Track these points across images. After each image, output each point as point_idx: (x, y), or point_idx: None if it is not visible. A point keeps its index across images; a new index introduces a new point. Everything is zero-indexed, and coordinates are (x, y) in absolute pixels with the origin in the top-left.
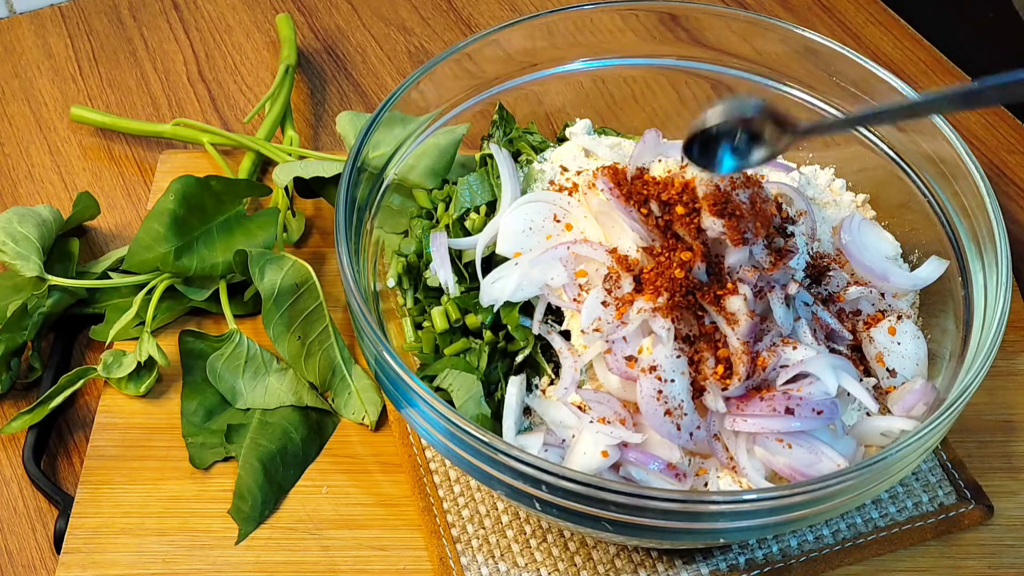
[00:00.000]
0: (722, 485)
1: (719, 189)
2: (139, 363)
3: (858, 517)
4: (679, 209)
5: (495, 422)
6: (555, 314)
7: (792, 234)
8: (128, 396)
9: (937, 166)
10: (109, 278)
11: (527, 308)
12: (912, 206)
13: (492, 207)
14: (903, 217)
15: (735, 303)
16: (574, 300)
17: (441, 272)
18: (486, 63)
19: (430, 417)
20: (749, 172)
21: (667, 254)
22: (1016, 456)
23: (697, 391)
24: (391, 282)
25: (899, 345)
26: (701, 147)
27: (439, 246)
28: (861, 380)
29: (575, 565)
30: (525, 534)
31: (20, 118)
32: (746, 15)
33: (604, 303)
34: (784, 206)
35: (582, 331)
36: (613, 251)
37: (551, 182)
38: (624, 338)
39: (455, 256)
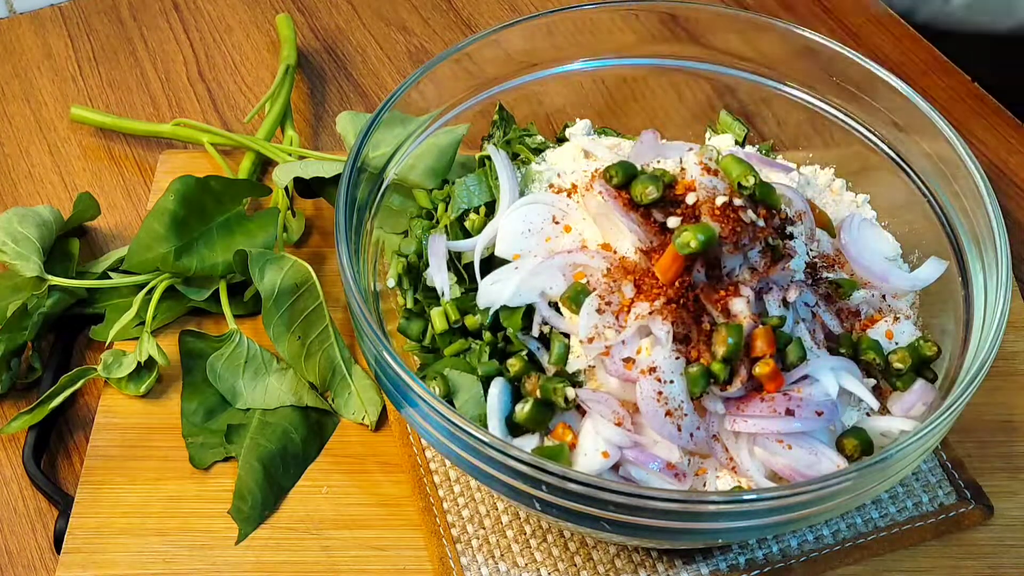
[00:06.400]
0: (720, 485)
1: (718, 191)
2: (139, 363)
3: (858, 517)
4: (678, 211)
5: None
6: (555, 307)
7: (791, 235)
8: (128, 396)
9: (937, 166)
10: (109, 278)
11: (529, 310)
12: (912, 206)
13: (491, 207)
14: (903, 217)
15: (738, 305)
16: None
17: (438, 278)
18: (486, 63)
19: (430, 417)
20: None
21: None
22: (1016, 456)
23: None
24: (391, 282)
25: (896, 347)
26: None
27: (436, 251)
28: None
29: (575, 565)
30: (525, 534)
31: (20, 118)
32: (746, 15)
33: (599, 310)
34: (784, 207)
35: (580, 341)
36: (612, 253)
37: (550, 184)
38: (623, 341)
39: (455, 257)
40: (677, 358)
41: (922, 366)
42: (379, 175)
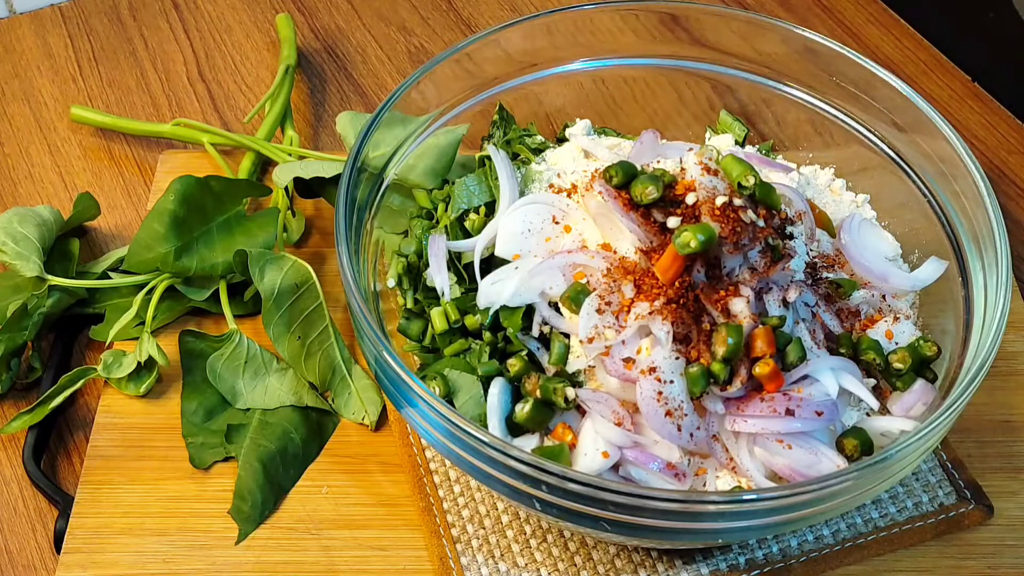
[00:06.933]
0: (720, 485)
1: (718, 191)
2: (139, 363)
3: (858, 517)
4: (678, 211)
5: None
6: (555, 307)
7: (791, 235)
8: (128, 396)
9: (937, 166)
10: (109, 278)
11: (529, 310)
12: (912, 206)
13: (491, 207)
14: (903, 217)
15: (738, 305)
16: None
17: (438, 278)
18: (486, 63)
19: (430, 417)
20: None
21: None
22: (1016, 456)
23: None
24: (391, 282)
25: (896, 347)
26: None
27: (436, 251)
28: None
29: (575, 565)
30: (525, 534)
31: (20, 118)
32: (746, 15)
33: (599, 310)
34: (784, 207)
35: (580, 341)
36: (612, 253)
37: (550, 184)
38: (623, 341)
39: (455, 257)
40: (677, 358)
41: (922, 366)
42: (379, 175)
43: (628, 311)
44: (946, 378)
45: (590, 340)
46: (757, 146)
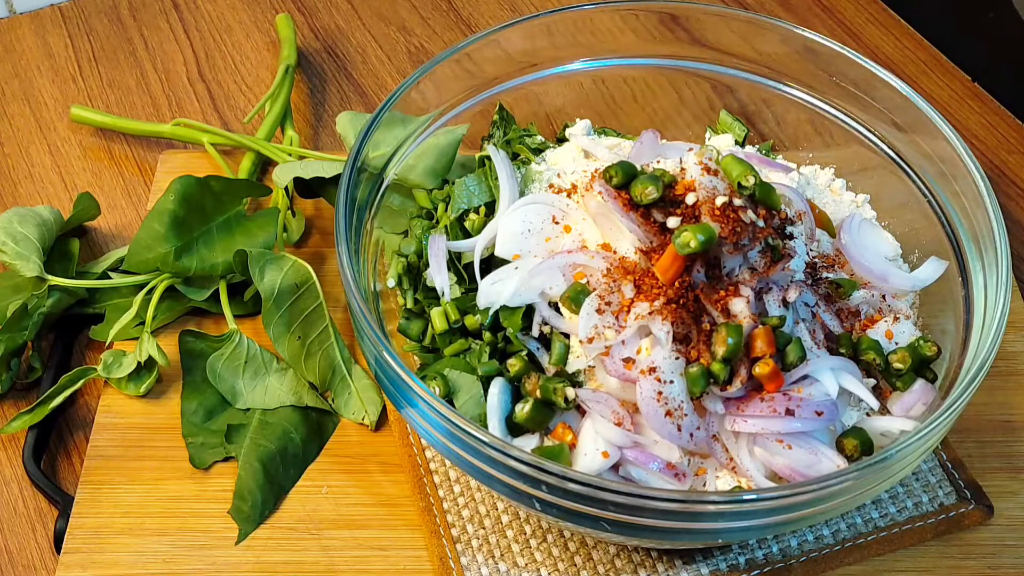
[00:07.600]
0: (720, 485)
1: (718, 191)
2: (139, 363)
3: (858, 517)
4: (678, 211)
5: None
6: (555, 307)
7: (791, 235)
8: (128, 396)
9: (937, 166)
10: (109, 278)
11: (529, 310)
12: (912, 206)
13: (491, 207)
14: (903, 217)
15: (738, 305)
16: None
17: (438, 278)
18: (486, 63)
19: (430, 417)
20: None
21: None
22: (1016, 456)
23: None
24: (391, 282)
25: (897, 347)
26: None
27: (436, 251)
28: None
29: (575, 565)
30: (525, 534)
31: (20, 118)
32: (746, 15)
33: (599, 310)
34: (784, 207)
35: (580, 341)
36: (612, 253)
37: (550, 184)
38: (622, 341)
39: (455, 257)
40: (677, 358)
41: (922, 366)
42: (379, 175)
43: (628, 311)
44: (946, 378)
45: (590, 340)
46: (757, 146)
